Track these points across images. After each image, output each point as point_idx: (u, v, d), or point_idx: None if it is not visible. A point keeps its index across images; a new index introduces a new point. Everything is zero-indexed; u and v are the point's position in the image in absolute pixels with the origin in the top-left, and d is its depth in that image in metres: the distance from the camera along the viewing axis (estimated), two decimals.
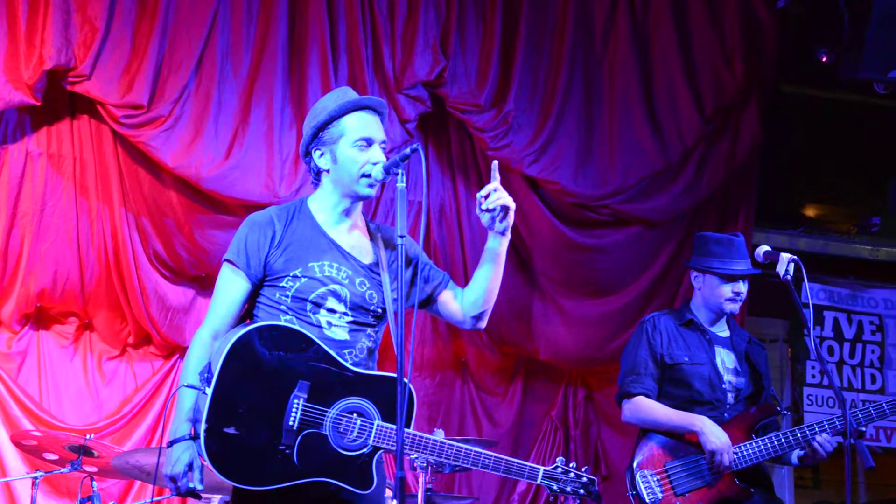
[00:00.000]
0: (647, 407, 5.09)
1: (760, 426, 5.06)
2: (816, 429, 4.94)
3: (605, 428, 7.45)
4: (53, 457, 5.73)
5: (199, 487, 3.58)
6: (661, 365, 5.15)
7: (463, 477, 7.11)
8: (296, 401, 3.51)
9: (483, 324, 3.95)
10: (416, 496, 5.73)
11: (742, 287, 5.21)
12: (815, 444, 4.91)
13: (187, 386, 3.58)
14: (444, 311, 3.97)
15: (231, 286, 3.74)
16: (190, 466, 3.55)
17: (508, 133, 6.99)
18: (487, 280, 3.83)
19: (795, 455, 5.05)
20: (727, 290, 5.19)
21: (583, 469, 3.83)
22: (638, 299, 7.35)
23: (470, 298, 3.89)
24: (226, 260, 3.77)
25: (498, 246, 3.77)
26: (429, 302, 3.97)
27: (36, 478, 5.70)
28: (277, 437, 3.48)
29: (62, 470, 5.69)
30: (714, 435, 4.91)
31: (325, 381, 3.56)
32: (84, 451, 5.56)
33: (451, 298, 3.95)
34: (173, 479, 3.56)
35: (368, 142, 3.78)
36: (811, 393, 8.33)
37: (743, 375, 5.18)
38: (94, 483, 5.65)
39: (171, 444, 3.59)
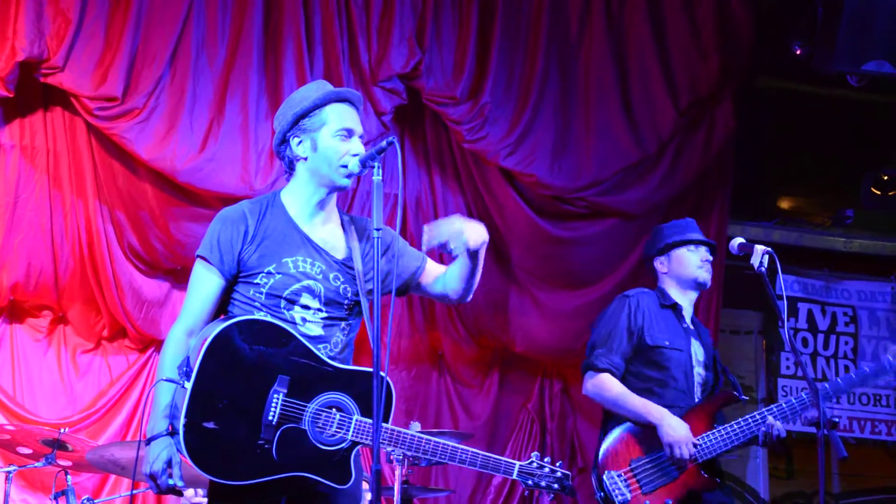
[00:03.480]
0: (609, 386, 5.03)
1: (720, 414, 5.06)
2: (776, 411, 4.94)
3: (582, 420, 7.46)
4: (27, 451, 5.70)
5: (180, 484, 3.56)
6: (639, 345, 5.10)
7: (440, 470, 7.12)
8: (275, 395, 3.51)
9: (470, 298, 3.98)
10: (393, 489, 5.73)
11: (708, 255, 5.24)
12: (767, 425, 4.91)
13: (165, 380, 3.56)
14: (429, 290, 3.99)
15: (205, 283, 3.73)
16: (169, 463, 3.54)
17: (484, 125, 6.99)
18: (473, 275, 3.87)
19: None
20: (695, 258, 5.22)
21: (557, 464, 3.85)
22: (614, 291, 7.30)
23: (452, 286, 3.91)
24: (198, 256, 3.76)
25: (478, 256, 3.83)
26: (409, 287, 3.98)
27: (9, 472, 5.68)
28: (257, 432, 3.48)
29: (36, 464, 5.67)
30: (672, 427, 4.86)
31: (305, 375, 3.56)
32: (58, 445, 5.54)
33: (433, 278, 3.96)
34: (153, 476, 3.55)
35: (349, 133, 3.79)
36: (786, 384, 8.38)
37: (710, 370, 5.19)
38: (69, 477, 5.61)
39: (149, 441, 3.57)
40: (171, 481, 3.55)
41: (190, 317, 3.71)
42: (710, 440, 4.93)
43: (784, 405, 4.97)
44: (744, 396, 5.14)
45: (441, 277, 3.95)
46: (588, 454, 7.41)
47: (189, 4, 6.54)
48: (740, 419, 4.97)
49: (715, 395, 5.10)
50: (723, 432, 4.94)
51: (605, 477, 4.89)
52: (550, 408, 7.47)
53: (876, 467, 8.50)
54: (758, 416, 4.95)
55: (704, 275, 5.23)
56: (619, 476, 4.90)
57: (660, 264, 5.32)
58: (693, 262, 5.23)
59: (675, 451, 4.85)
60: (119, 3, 6.44)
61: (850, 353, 8.55)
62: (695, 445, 4.90)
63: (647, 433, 4.95)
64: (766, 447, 5.03)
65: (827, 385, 5.00)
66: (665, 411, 4.93)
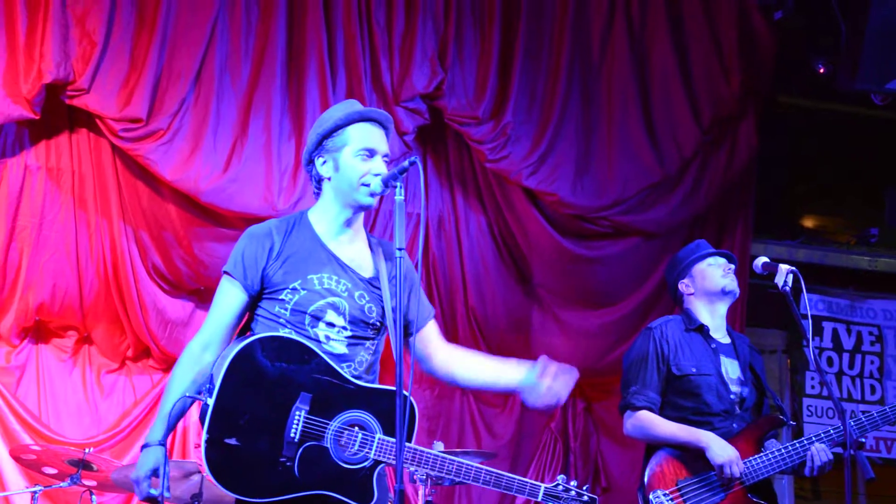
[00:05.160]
0: (650, 423, 4.98)
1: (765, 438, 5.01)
2: (824, 437, 4.90)
3: (605, 440, 7.43)
4: (53, 471, 5.72)
5: (162, 494, 3.57)
6: (668, 376, 5.05)
7: (463, 490, 7.09)
8: (297, 413, 3.51)
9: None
10: None
11: (729, 265, 5.23)
12: (809, 454, 4.87)
13: (187, 397, 3.60)
14: (417, 344, 3.94)
15: (227, 298, 3.76)
16: (154, 472, 3.57)
17: (507, 145, 6.99)
18: (492, 388, 4.10)
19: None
20: (718, 270, 5.20)
21: (584, 487, 3.83)
22: (637, 311, 7.34)
23: (461, 372, 4.03)
24: (224, 272, 3.79)
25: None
26: (408, 331, 3.94)
27: (35, 492, 5.69)
28: (279, 449, 3.49)
29: (61, 484, 5.68)
30: (721, 448, 4.81)
31: (327, 393, 3.56)
32: (83, 464, 5.55)
33: (429, 337, 3.98)
34: (136, 482, 3.58)
35: (371, 152, 3.80)
36: (811, 404, 8.33)
37: (747, 384, 5.13)
38: (94, 497, 5.64)
39: (143, 447, 3.61)
40: (152, 490, 3.57)
41: (207, 331, 3.74)
42: (757, 464, 4.88)
43: (832, 432, 4.91)
44: (791, 422, 5.09)
45: (437, 339, 4.00)
46: (612, 474, 7.38)
47: (213, 25, 6.58)
48: (787, 444, 4.93)
49: (760, 419, 5.05)
50: (769, 456, 4.89)
51: (651, 496, 4.84)
52: (574, 427, 7.44)
53: None
54: (806, 444, 4.90)
55: (731, 283, 5.21)
56: (665, 495, 4.83)
57: (685, 286, 5.29)
58: (716, 273, 5.21)
59: (726, 470, 4.79)
60: (144, 25, 6.49)
61: (875, 373, 8.50)
62: None
63: (693, 454, 4.89)
64: (812, 475, 4.98)
65: (864, 420, 4.95)
66: (711, 434, 4.88)
